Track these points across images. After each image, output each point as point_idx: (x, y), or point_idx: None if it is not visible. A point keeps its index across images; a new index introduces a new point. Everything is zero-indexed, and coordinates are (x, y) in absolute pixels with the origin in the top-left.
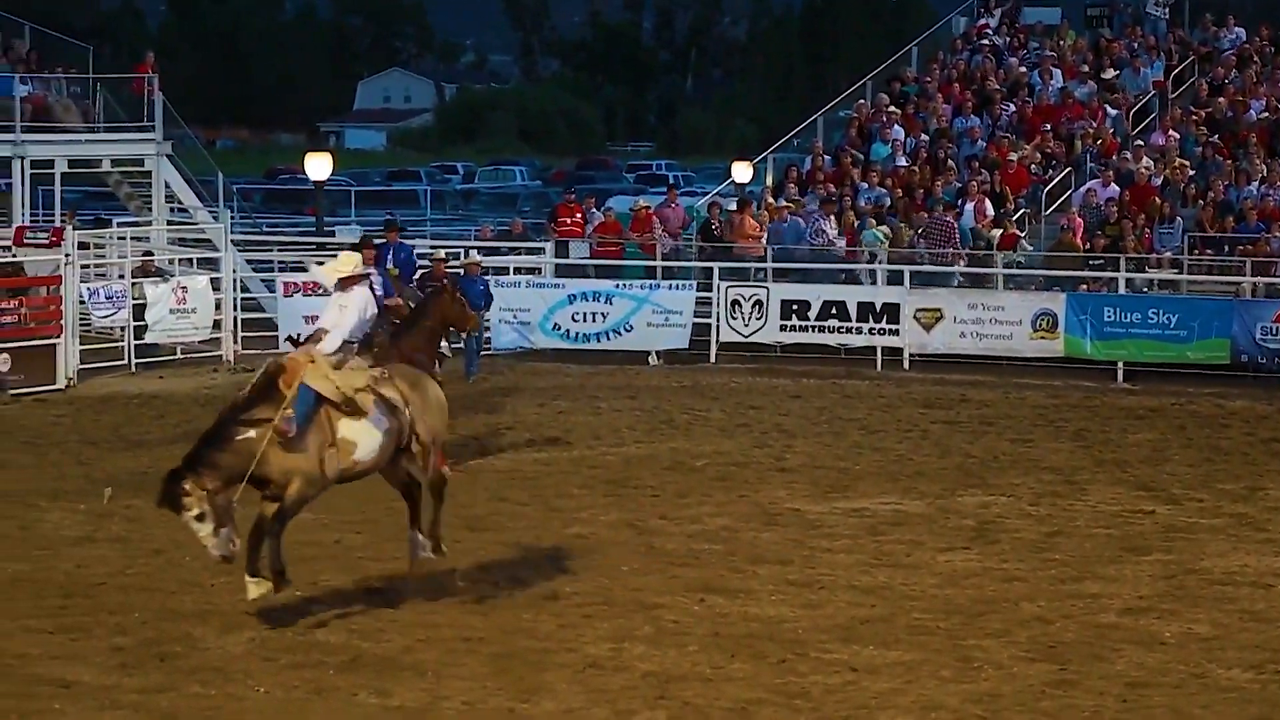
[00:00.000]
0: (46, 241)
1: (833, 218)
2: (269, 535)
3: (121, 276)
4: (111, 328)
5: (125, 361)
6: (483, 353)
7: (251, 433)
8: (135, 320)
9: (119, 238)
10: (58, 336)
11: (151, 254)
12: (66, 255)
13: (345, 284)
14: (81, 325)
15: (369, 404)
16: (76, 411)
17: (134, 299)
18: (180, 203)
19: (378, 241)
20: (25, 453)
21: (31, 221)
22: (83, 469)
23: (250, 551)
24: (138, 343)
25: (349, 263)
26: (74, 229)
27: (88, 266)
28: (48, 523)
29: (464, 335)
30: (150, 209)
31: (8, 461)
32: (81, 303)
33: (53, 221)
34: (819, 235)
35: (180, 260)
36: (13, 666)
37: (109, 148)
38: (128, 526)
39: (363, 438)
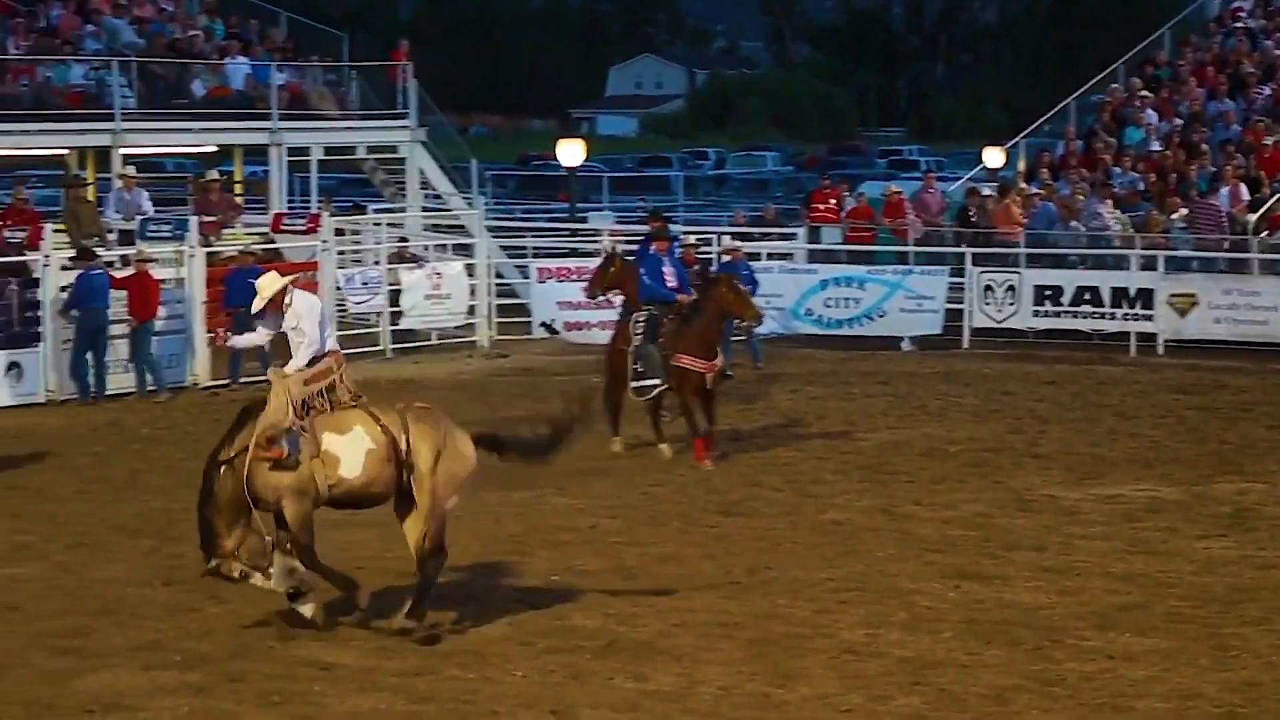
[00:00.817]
0: (303, 228)
1: (1109, 201)
2: (309, 567)
3: (377, 263)
4: (367, 314)
5: (381, 347)
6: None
7: (227, 469)
8: (391, 306)
9: (374, 224)
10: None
11: (407, 240)
12: (323, 242)
13: (274, 306)
14: (338, 311)
15: (353, 422)
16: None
17: (389, 285)
18: (434, 189)
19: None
20: None
21: (288, 208)
22: None
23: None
24: (393, 329)
25: (268, 287)
26: (330, 215)
27: (344, 253)
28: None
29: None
30: (405, 195)
31: None
32: (337, 289)
33: (309, 208)
34: (1094, 219)
35: (435, 246)
36: (274, 648)
37: (364, 135)
38: (385, 511)
39: (345, 452)
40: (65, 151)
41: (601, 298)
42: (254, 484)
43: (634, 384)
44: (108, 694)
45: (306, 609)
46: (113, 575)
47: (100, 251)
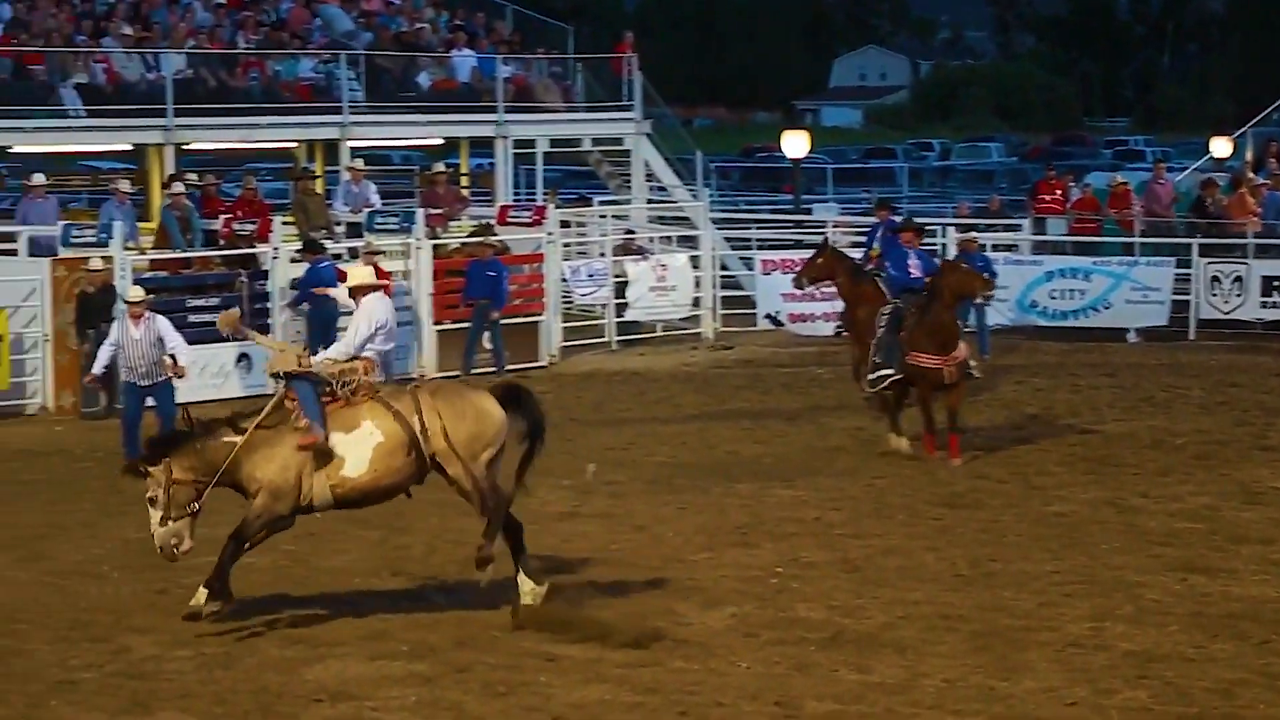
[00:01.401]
0: (529, 220)
1: None
2: (224, 551)
3: (603, 254)
4: (593, 305)
5: (606, 339)
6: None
7: (236, 438)
8: (616, 298)
9: (600, 216)
10: (541, 314)
11: (633, 232)
12: (549, 234)
13: (356, 294)
14: (564, 303)
15: (361, 417)
16: (559, 388)
17: (615, 277)
18: (659, 181)
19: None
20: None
21: (514, 200)
22: (566, 445)
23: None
24: (618, 320)
25: (359, 275)
26: (556, 207)
27: (569, 245)
28: (533, 498)
29: (979, 306)
30: (630, 188)
31: None
32: (563, 280)
33: (535, 200)
34: None
35: (660, 238)
36: (500, 638)
37: (589, 127)
38: (611, 502)
39: (350, 451)
40: (294, 144)
41: (810, 289)
42: (237, 466)
43: (870, 375)
44: (336, 683)
45: (201, 597)
46: (341, 565)
47: (328, 244)
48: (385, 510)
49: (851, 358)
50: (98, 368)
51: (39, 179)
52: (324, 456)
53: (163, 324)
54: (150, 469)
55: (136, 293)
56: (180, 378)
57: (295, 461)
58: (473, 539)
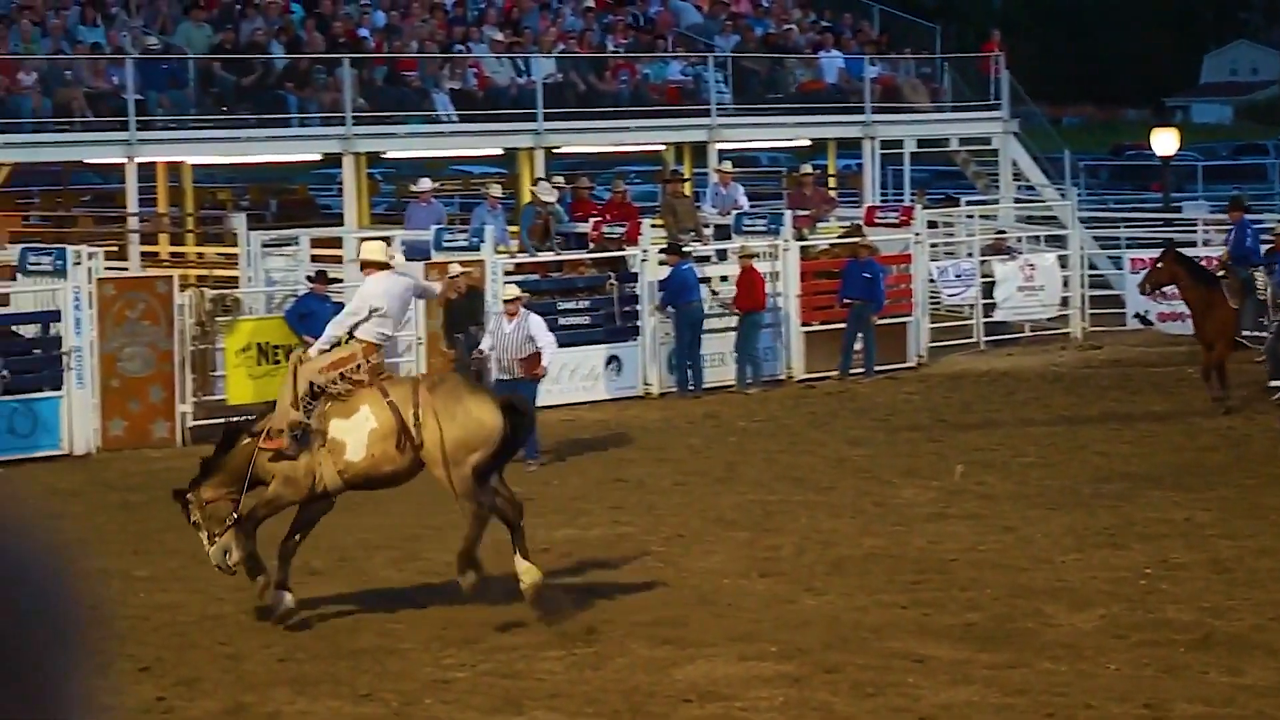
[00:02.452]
0: (896, 221)
1: None
2: (245, 536)
3: (970, 255)
4: (960, 305)
5: (974, 339)
6: None
7: (250, 440)
8: (984, 298)
9: (967, 216)
10: (909, 315)
11: (1002, 232)
12: (916, 234)
13: (365, 269)
14: (931, 303)
15: (360, 403)
16: (927, 389)
17: (983, 277)
18: (1027, 180)
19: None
20: (879, 429)
21: (881, 201)
22: (934, 446)
23: (278, 565)
24: (986, 320)
25: (369, 249)
26: (923, 208)
27: (936, 245)
28: (901, 499)
29: None
30: (997, 187)
31: (863, 439)
32: (931, 281)
33: (902, 201)
34: None
35: (1028, 238)
36: (869, 639)
37: (956, 126)
38: (979, 503)
39: (350, 437)
40: (662, 147)
41: (1152, 293)
42: (258, 467)
43: (1270, 383)
44: (705, 683)
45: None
46: (710, 566)
47: (696, 246)
48: (754, 511)
49: (1202, 361)
50: (484, 347)
51: (425, 184)
52: (291, 458)
53: (534, 322)
54: (188, 498)
55: (511, 290)
56: (539, 377)
57: (305, 461)
58: (844, 541)
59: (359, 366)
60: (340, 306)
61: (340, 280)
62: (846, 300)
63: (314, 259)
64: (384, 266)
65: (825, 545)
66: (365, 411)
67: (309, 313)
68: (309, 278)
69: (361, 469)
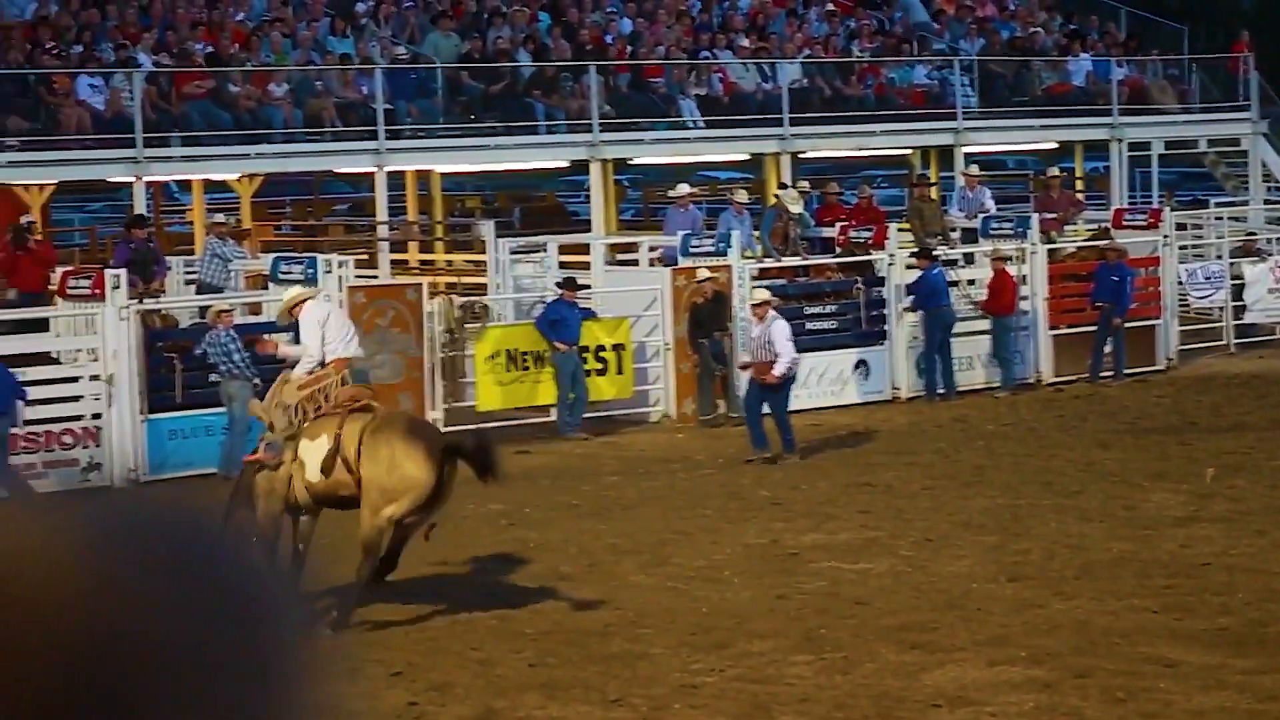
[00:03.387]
0: (1144, 223)
1: None
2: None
3: (1219, 257)
4: (1210, 308)
5: (1224, 342)
6: None
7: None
8: (1234, 300)
9: (1216, 218)
10: (1158, 318)
11: (1252, 234)
12: (1164, 236)
13: (289, 317)
14: (1180, 306)
15: (323, 429)
16: (1177, 392)
17: (1232, 279)
18: (1277, 181)
19: None
20: (1128, 433)
21: (1129, 204)
22: (1184, 449)
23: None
24: (1236, 323)
25: (288, 300)
26: (1171, 210)
27: (1185, 247)
28: (1151, 503)
29: None
30: (1246, 188)
31: (1112, 442)
32: (1179, 283)
33: (1150, 203)
34: None
35: (1278, 239)
36: (1119, 644)
37: (1204, 128)
38: (1231, 507)
39: (309, 458)
40: (908, 151)
41: None
42: (252, 485)
43: None
44: (953, 688)
45: None
46: (958, 570)
47: (943, 250)
48: (1002, 515)
49: None
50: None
51: (683, 189)
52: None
53: (776, 329)
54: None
55: (759, 294)
56: (766, 384)
57: (284, 470)
58: (1093, 545)
59: (333, 386)
60: (589, 313)
61: (588, 287)
62: (1097, 304)
63: (561, 265)
64: (304, 299)
65: (1074, 549)
66: (323, 439)
67: (559, 319)
68: (558, 284)
69: (320, 489)
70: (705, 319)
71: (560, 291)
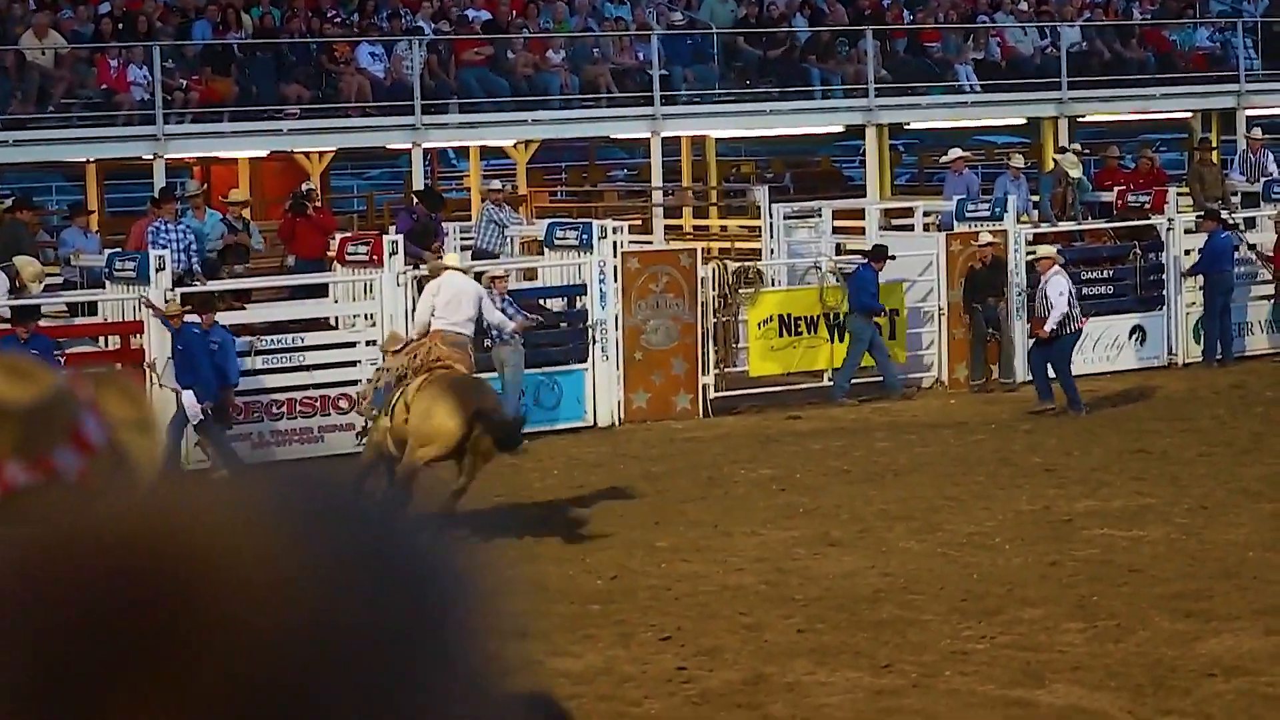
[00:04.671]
0: None
1: None
2: None
3: None
4: None
5: None
6: None
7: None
8: None
9: None
10: None
11: None
12: None
13: (437, 273)
14: None
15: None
16: None
17: None
18: None
19: None
20: None
21: None
22: None
23: None
24: None
25: (446, 259)
26: None
27: None
28: None
29: None
30: None
31: None
32: None
33: None
34: None
35: None
36: None
37: None
38: None
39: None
40: (1189, 114)
41: None
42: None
43: None
44: (1229, 657)
45: None
46: (1235, 538)
47: (1225, 214)
48: (1279, 482)
49: None
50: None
51: (954, 153)
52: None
53: (1051, 284)
54: None
55: (1043, 249)
56: (1038, 337)
57: (381, 421)
58: None
59: (428, 351)
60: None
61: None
62: None
63: (835, 231)
64: (450, 269)
65: None
66: (399, 392)
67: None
68: (864, 253)
69: (393, 434)
70: (981, 284)
71: (866, 259)
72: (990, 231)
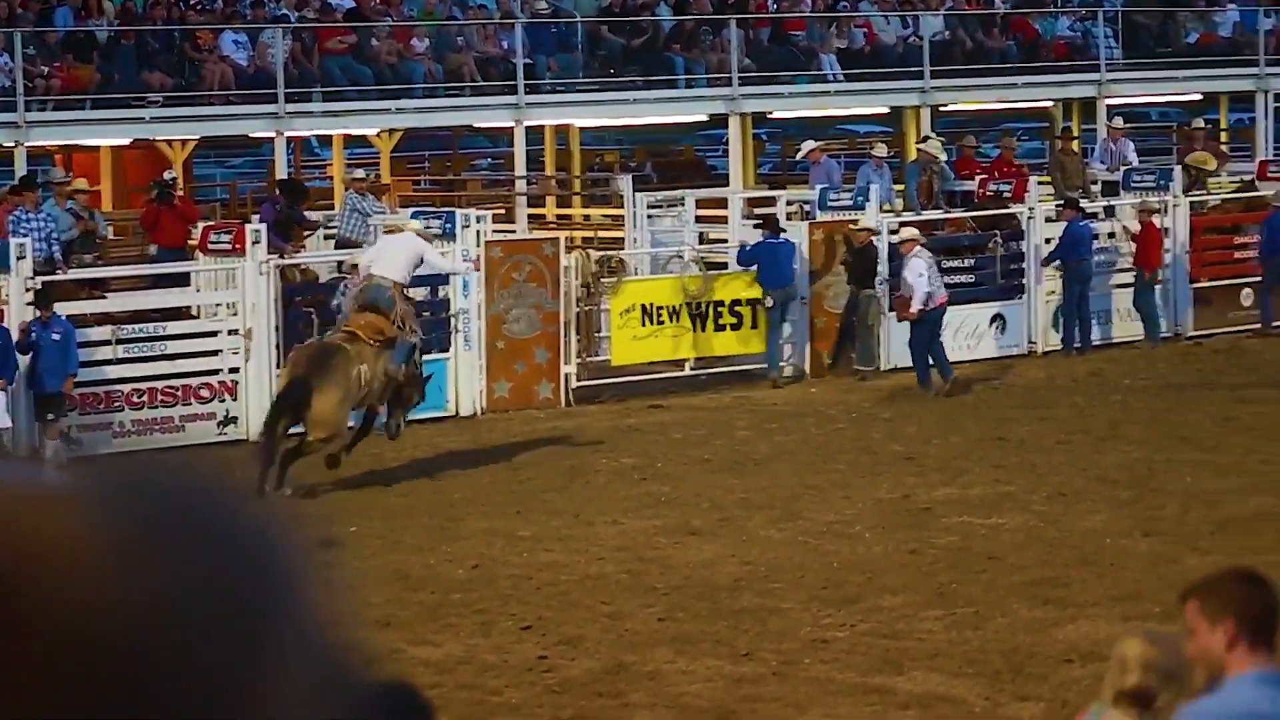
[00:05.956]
0: None
1: None
2: None
3: None
4: None
5: None
6: None
7: None
8: None
9: None
10: None
11: None
12: None
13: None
14: None
15: None
16: None
17: None
18: None
19: None
20: (1267, 387)
21: (1274, 155)
22: None
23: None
24: None
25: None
26: None
27: None
28: None
29: None
30: None
31: (1250, 396)
32: None
33: None
34: None
35: None
36: None
37: None
38: None
39: None
40: (1050, 103)
41: None
42: None
43: None
44: (1086, 643)
45: None
46: (1092, 526)
47: (1085, 203)
48: (1138, 470)
49: None
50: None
51: (808, 145)
52: None
53: (910, 265)
54: None
55: (907, 232)
56: (904, 319)
57: None
58: (1231, 500)
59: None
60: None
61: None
62: (1265, 257)
63: (698, 220)
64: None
65: (1210, 505)
66: None
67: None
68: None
69: None
70: (857, 269)
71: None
72: (850, 222)
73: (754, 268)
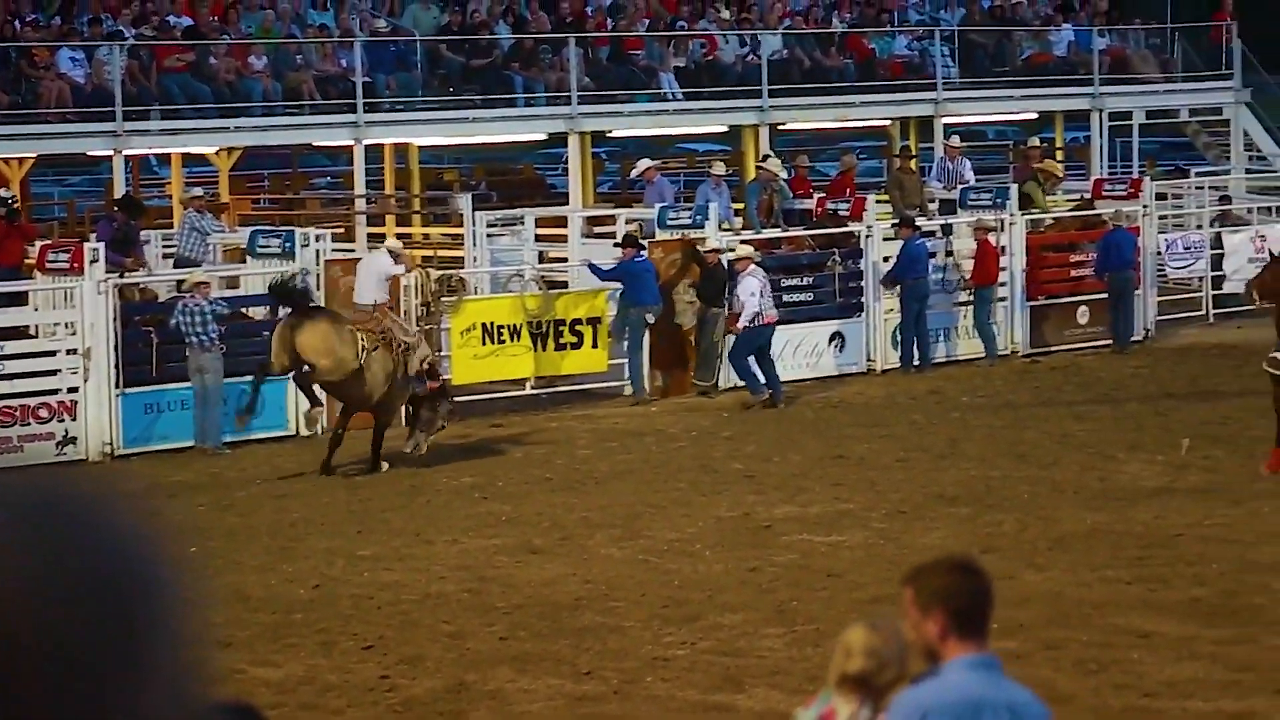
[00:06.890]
0: (1124, 193)
1: None
2: None
3: (1199, 226)
4: (1188, 279)
5: (1202, 312)
6: None
7: None
8: (1213, 271)
9: (1196, 188)
10: (1137, 288)
11: (1229, 202)
12: (1144, 206)
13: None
14: (1157, 276)
15: None
16: (1154, 362)
17: (1212, 249)
18: (1259, 151)
19: None
20: (1104, 404)
21: (1109, 174)
22: (1160, 420)
23: None
24: (1215, 293)
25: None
26: (1152, 180)
27: (1165, 217)
28: (1126, 474)
29: None
30: (1228, 158)
31: (1087, 414)
32: (1157, 254)
33: (1130, 173)
34: None
35: (1260, 209)
36: (1092, 615)
37: (1186, 97)
38: (1206, 478)
39: None
40: (888, 122)
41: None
42: None
43: None
44: None
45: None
46: (931, 542)
47: (921, 221)
48: (976, 487)
49: None
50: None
51: (643, 164)
52: None
53: (741, 284)
54: None
55: (742, 249)
56: (730, 333)
57: None
58: (1067, 516)
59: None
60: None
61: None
62: (1104, 272)
63: (538, 239)
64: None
65: (1048, 521)
66: None
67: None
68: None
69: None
70: (706, 289)
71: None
72: (687, 240)
73: (617, 287)
